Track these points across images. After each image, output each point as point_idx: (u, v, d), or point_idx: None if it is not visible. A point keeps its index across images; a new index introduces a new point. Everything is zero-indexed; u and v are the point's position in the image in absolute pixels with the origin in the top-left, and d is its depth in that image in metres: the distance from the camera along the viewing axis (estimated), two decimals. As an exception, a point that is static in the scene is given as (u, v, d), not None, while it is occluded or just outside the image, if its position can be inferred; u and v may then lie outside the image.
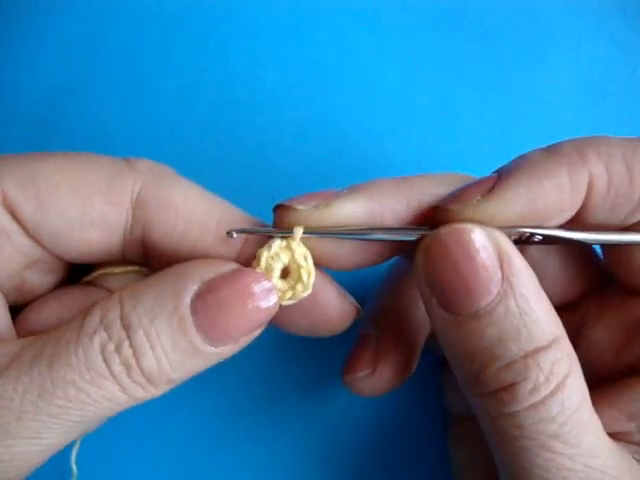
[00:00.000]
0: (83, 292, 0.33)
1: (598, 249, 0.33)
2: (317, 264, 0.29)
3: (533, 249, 0.31)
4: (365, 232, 0.27)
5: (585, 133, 0.47)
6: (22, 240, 0.28)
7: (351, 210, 0.28)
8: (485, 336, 0.24)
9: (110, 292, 0.33)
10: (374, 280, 0.40)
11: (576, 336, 0.32)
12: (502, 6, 0.50)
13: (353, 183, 0.46)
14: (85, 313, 0.26)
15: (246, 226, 0.29)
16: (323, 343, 0.43)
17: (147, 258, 0.31)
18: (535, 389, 0.24)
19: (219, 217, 0.29)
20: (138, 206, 0.28)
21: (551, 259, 0.32)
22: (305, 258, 0.28)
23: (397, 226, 0.28)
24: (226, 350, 0.27)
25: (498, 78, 0.48)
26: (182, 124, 0.47)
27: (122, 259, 0.32)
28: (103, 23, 0.50)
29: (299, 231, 0.28)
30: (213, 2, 0.50)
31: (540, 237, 0.27)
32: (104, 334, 0.25)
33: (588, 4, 0.49)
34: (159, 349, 0.26)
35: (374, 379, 0.34)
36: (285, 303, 0.29)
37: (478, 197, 0.26)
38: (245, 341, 0.27)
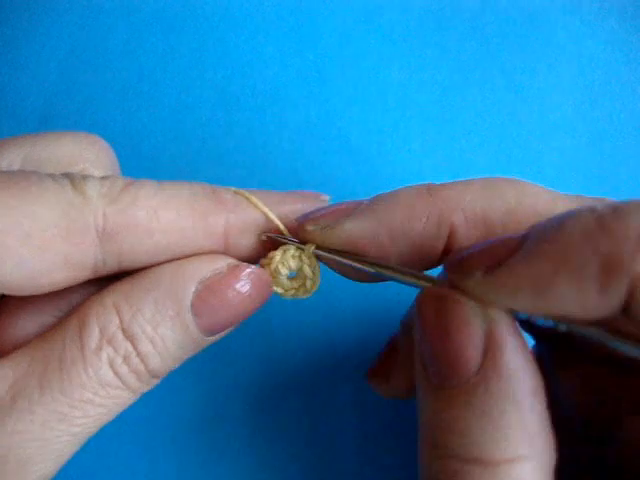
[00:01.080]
0: (60, 300, 0.30)
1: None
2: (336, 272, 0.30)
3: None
4: (372, 266, 0.28)
5: (585, 133, 0.47)
6: None
7: (356, 233, 0.28)
8: (445, 416, 0.22)
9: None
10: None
11: (610, 431, 0.28)
12: (502, 6, 0.50)
13: (353, 182, 0.47)
14: (80, 325, 0.26)
15: (224, 195, 0.29)
16: (323, 343, 0.43)
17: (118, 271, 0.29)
18: None
19: (192, 212, 0.27)
20: (106, 240, 0.25)
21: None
22: (313, 271, 0.30)
23: (402, 268, 0.27)
24: (217, 337, 0.28)
25: (498, 78, 0.48)
26: (182, 124, 0.47)
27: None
28: (103, 23, 0.50)
29: (310, 248, 0.29)
30: (213, 2, 0.50)
31: (563, 328, 0.23)
32: (110, 349, 0.26)
33: (588, 4, 0.50)
34: (165, 352, 0.27)
35: (389, 388, 0.35)
36: (285, 297, 0.31)
37: (481, 271, 0.23)
38: (235, 327, 0.29)
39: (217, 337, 0.28)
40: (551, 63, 0.49)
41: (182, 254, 0.27)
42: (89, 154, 0.30)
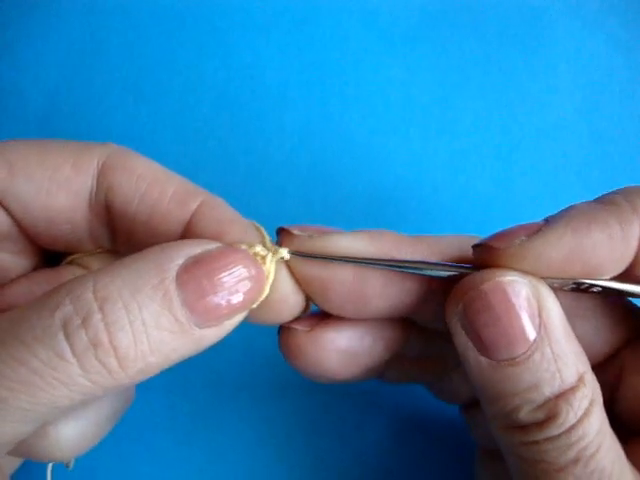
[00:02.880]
0: (57, 272, 0.32)
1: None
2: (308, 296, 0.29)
3: (568, 296, 0.30)
4: (367, 260, 0.27)
5: (585, 133, 0.47)
6: None
7: (346, 245, 0.28)
8: (521, 381, 0.25)
9: (87, 269, 0.33)
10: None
11: (614, 388, 0.31)
12: (502, 6, 0.50)
13: (353, 182, 0.47)
14: (52, 289, 0.24)
15: (204, 195, 0.29)
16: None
17: (112, 233, 0.31)
18: (563, 423, 0.25)
19: (177, 184, 0.29)
20: (102, 172, 0.29)
21: (589, 310, 0.31)
22: (267, 277, 0.27)
23: (430, 260, 0.28)
24: (210, 334, 0.25)
25: (498, 78, 0.48)
26: (183, 124, 0.47)
27: (89, 242, 0.31)
28: (103, 23, 0.50)
29: (283, 251, 0.28)
30: (213, 2, 0.50)
31: (599, 288, 0.26)
32: (69, 307, 0.22)
33: (588, 4, 0.50)
34: (138, 323, 0.23)
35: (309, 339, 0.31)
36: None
37: (523, 237, 0.25)
38: (228, 328, 0.26)
39: (206, 334, 0.25)
40: (551, 63, 0.49)
41: (153, 215, 0.28)
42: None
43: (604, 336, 0.31)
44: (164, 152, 0.46)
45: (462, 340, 0.26)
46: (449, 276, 0.27)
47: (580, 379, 0.25)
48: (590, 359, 0.27)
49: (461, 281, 0.26)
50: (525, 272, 0.25)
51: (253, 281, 0.26)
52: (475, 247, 0.27)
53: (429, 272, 0.27)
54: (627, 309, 0.31)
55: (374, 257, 0.28)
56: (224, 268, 0.25)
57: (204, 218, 0.28)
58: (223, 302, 0.25)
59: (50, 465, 0.34)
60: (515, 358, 0.25)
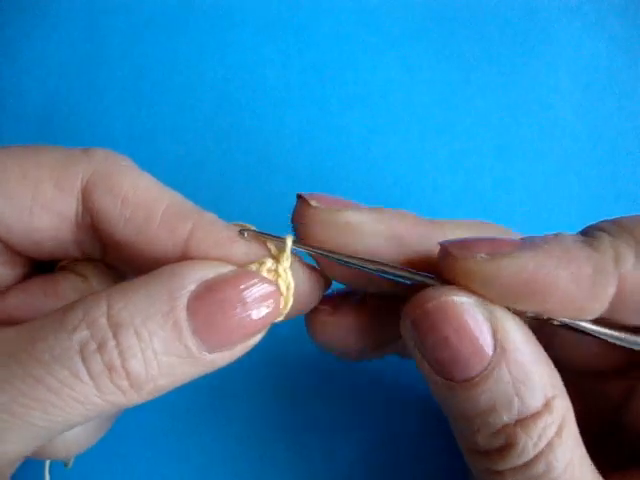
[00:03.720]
0: (53, 280, 0.32)
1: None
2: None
3: None
4: (359, 261, 0.26)
5: (585, 133, 0.47)
6: None
7: (356, 220, 0.27)
8: (478, 403, 0.24)
9: (82, 277, 0.32)
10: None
11: (625, 401, 0.30)
12: (502, 6, 0.50)
13: (353, 182, 0.47)
14: (66, 308, 0.24)
15: (195, 217, 0.27)
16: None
17: (101, 250, 0.30)
18: (524, 453, 0.24)
19: (166, 206, 0.27)
20: (87, 192, 0.28)
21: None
22: (288, 287, 0.27)
23: (400, 267, 0.26)
24: (221, 358, 0.25)
25: (498, 77, 0.48)
26: (183, 124, 0.47)
27: (78, 252, 0.31)
28: (103, 24, 0.50)
29: (289, 240, 0.27)
30: (213, 2, 0.50)
31: (557, 322, 0.25)
32: (86, 332, 0.23)
33: (588, 4, 0.50)
34: (149, 352, 0.24)
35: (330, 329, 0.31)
36: None
37: (484, 255, 0.24)
38: (241, 350, 0.26)
39: (216, 359, 0.25)
40: (551, 63, 0.49)
41: (140, 240, 0.27)
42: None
43: (610, 354, 0.30)
44: (164, 152, 0.46)
45: (418, 359, 0.25)
46: (414, 283, 0.26)
47: (546, 405, 0.24)
48: (595, 372, 0.26)
49: (412, 297, 0.25)
50: (479, 293, 0.24)
51: (270, 304, 0.25)
52: (440, 251, 0.26)
53: (399, 279, 0.26)
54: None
55: (364, 255, 0.27)
56: (237, 295, 0.25)
57: (201, 242, 0.27)
58: (235, 329, 0.25)
59: (47, 463, 0.34)
60: (470, 380, 0.24)
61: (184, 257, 0.27)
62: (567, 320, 0.25)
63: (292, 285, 0.27)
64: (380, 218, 0.27)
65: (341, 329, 0.31)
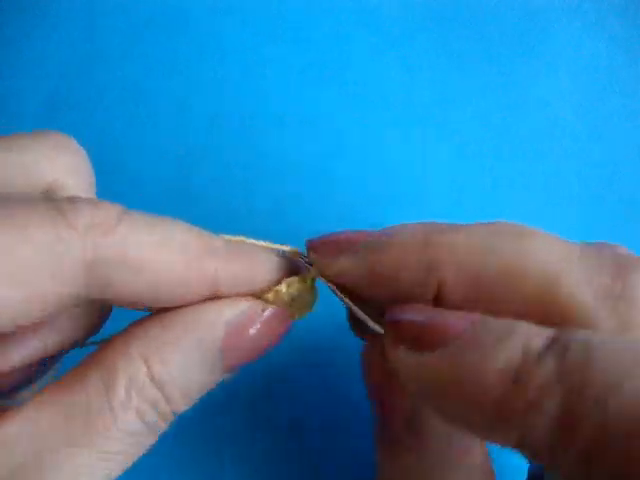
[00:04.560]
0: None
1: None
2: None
3: None
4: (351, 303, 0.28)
5: (585, 132, 0.47)
6: None
7: (347, 271, 0.28)
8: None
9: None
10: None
11: None
12: (502, 6, 0.50)
13: (353, 182, 0.47)
14: (105, 375, 0.24)
15: (215, 244, 0.26)
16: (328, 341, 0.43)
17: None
18: None
19: (184, 255, 0.25)
20: (92, 271, 0.23)
21: None
22: (314, 294, 0.29)
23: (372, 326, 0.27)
24: (230, 374, 0.27)
25: (497, 77, 0.48)
26: (183, 124, 0.47)
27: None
28: (103, 24, 0.50)
29: (315, 272, 0.29)
30: (213, 3, 0.50)
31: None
32: (138, 399, 0.25)
33: (588, 4, 0.50)
34: (190, 395, 0.26)
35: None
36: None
37: (406, 347, 0.23)
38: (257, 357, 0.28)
39: (226, 377, 0.27)
40: (551, 63, 0.49)
41: (170, 297, 0.25)
42: (63, 160, 0.27)
43: None
44: (163, 152, 0.46)
45: None
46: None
47: None
48: None
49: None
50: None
51: (280, 329, 0.27)
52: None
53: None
54: None
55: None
56: (257, 327, 0.26)
57: (227, 284, 0.26)
58: (255, 355, 0.27)
59: None
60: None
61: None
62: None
63: (314, 295, 0.29)
64: (366, 264, 0.27)
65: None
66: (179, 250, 0.24)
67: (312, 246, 0.29)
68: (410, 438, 0.26)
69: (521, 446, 0.18)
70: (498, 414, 0.19)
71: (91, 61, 0.49)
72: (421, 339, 0.22)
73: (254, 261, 0.27)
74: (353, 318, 0.29)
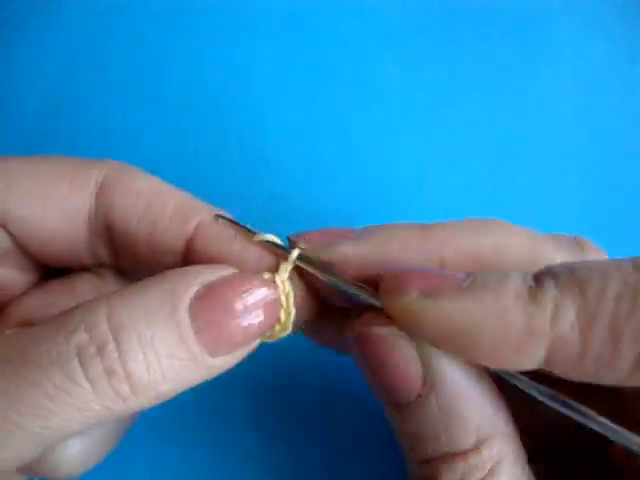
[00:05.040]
0: (70, 281, 0.32)
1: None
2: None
3: None
4: (350, 285, 0.26)
5: (585, 132, 0.47)
6: None
7: (349, 253, 0.27)
8: (408, 429, 0.24)
9: (97, 275, 0.33)
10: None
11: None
12: (502, 6, 0.50)
13: (353, 183, 0.46)
14: (65, 312, 0.24)
15: (205, 211, 0.29)
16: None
17: (113, 251, 0.31)
18: None
19: (177, 201, 0.29)
20: (101, 191, 0.29)
21: None
22: (287, 297, 0.27)
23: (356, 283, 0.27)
24: (223, 362, 0.25)
25: (498, 77, 0.48)
26: (182, 124, 0.47)
27: (90, 259, 0.31)
28: (103, 23, 0.50)
29: (293, 254, 0.27)
30: (213, 3, 0.50)
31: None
32: (84, 335, 0.23)
33: (588, 3, 0.49)
34: (152, 355, 0.23)
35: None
36: (262, 340, 0.27)
37: (416, 293, 0.23)
38: (242, 354, 0.26)
39: (218, 363, 0.25)
40: (551, 63, 0.49)
41: (153, 235, 0.28)
42: None
43: None
44: (163, 152, 0.46)
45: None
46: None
47: (477, 444, 0.23)
48: None
49: (358, 318, 0.26)
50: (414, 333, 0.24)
51: (269, 308, 0.26)
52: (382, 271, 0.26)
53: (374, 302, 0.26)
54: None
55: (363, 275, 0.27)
56: (239, 297, 0.24)
57: (206, 236, 0.28)
58: (238, 331, 0.24)
59: None
60: (399, 406, 0.24)
61: (189, 251, 0.28)
62: (497, 369, 0.24)
63: (292, 295, 0.27)
64: (370, 245, 0.27)
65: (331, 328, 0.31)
66: (176, 190, 0.29)
67: (302, 237, 0.28)
68: (425, 389, 0.24)
69: (550, 358, 0.22)
70: (529, 330, 0.21)
71: (91, 61, 0.49)
72: (440, 285, 0.23)
73: (237, 228, 0.28)
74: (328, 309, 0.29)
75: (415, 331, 0.24)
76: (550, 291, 0.22)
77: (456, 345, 0.23)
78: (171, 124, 0.47)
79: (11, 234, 0.29)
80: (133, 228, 0.28)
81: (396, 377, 0.24)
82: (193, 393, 0.42)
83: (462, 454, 0.23)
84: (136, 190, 0.29)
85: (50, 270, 0.33)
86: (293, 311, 0.27)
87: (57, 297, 0.31)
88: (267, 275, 0.27)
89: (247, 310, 0.25)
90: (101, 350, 0.22)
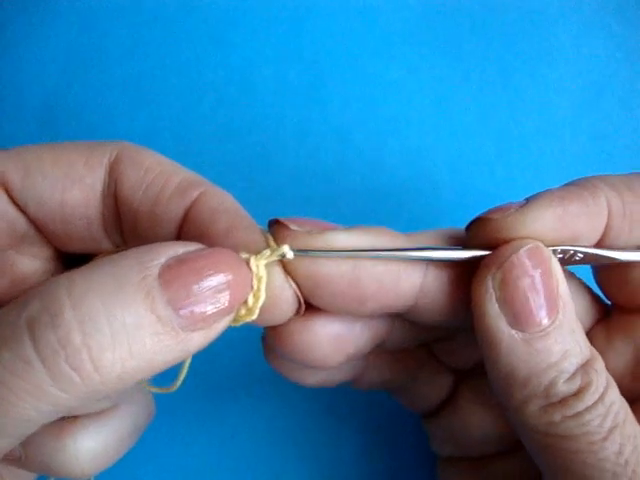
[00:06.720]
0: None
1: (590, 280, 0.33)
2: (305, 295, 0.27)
3: None
4: (366, 252, 0.26)
5: (585, 132, 0.47)
6: (8, 208, 0.29)
7: (344, 242, 0.27)
8: (553, 352, 0.25)
9: None
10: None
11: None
12: (502, 6, 0.50)
13: (353, 183, 0.46)
14: (26, 290, 0.22)
15: (209, 187, 0.29)
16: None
17: (121, 226, 0.31)
18: (596, 390, 0.25)
19: (183, 177, 0.29)
20: (113, 166, 0.29)
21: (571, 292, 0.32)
22: (259, 280, 0.26)
23: (430, 245, 0.28)
24: (196, 338, 0.23)
25: (498, 77, 0.48)
26: (182, 124, 0.47)
27: (104, 239, 0.31)
28: (103, 23, 0.50)
29: (282, 249, 0.26)
30: (213, 2, 0.50)
31: (581, 256, 0.28)
32: (36, 303, 0.20)
33: (588, 4, 0.50)
34: (118, 325, 0.20)
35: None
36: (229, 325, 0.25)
37: (515, 208, 0.27)
38: (215, 331, 0.24)
39: (192, 339, 0.23)
40: (551, 63, 0.49)
41: (156, 205, 0.28)
42: None
43: (582, 316, 0.32)
44: (163, 152, 0.46)
45: (493, 316, 0.26)
46: (463, 259, 0.27)
47: (593, 353, 0.26)
48: None
49: (495, 251, 0.26)
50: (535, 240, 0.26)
51: (238, 282, 0.24)
52: (471, 224, 0.28)
53: (437, 256, 0.27)
54: (594, 293, 0.33)
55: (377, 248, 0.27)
56: (208, 269, 0.23)
57: (200, 207, 0.28)
58: (209, 303, 0.23)
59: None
60: (546, 329, 0.25)
61: (184, 222, 0.28)
62: (585, 249, 0.27)
63: (264, 279, 0.26)
64: (361, 237, 0.27)
65: (313, 335, 0.29)
66: (184, 169, 0.30)
67: (292, 220, 0.27)
68: (560, 305, 0.26)
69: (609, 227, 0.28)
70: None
71: (91, 61, 0.49)
72: (518, 204, 0.27)
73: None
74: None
75: (538, 231, 0.26)
76: (588, 182, 0.28)
77: (565, 233, 0.27)
78: (171, 124, 0.47)
79: (28, 215, 0.29)
80: (137, 199, 0.29)
81: (552, 291, 0.26)
82: (192, 393, 0.43)
83: (591, 359, 0.26)
84: (145, 165, 0.29)
85: (68, 261, 0.33)
86: (262, 296, 0.26)
87: None
88: (244, 255, 0.26)
89: (218, 284, 0.23)
90: (55, 319, 0.20)
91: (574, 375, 0.25)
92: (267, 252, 0.26)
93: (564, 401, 0.25)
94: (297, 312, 0.28)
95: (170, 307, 0.22)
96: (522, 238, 0.26)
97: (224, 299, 0.23)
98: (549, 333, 0.25)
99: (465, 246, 0.28)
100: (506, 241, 0.26)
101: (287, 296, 0.27)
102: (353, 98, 0.48)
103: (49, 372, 0.20)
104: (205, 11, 0.50)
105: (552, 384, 0.26)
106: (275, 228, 0.27)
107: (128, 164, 0.29)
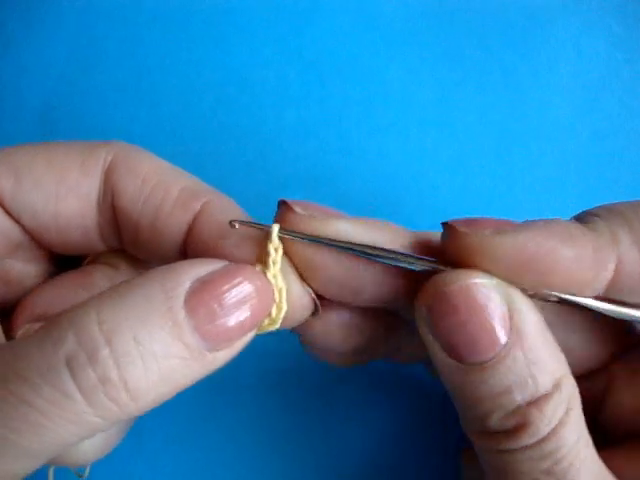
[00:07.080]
0: (86, 273, 0.32)
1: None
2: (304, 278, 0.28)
3: (557, 309, 0.29)
4: (360, 247, 0.26)
5: (585, 132, 0.47)
6: (3, 219, 0.28)
7: (347, 229, 0.26)
8: (491, 386, 0.24)
9: (113, 267, 0.32)
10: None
11: (601, 398, 0.31)
12: (502, 6, 0.50)
13: (353, 183, 0.46)
14: (51, 319, 0.23)
15: (212, 197, 0.29)
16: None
17: (119, 234, 0.31)
18: (538, 431, 0.24)
19: (183, 186, 0.29)
20: (108, 173, 0.29)
21: (579, 323, 0.30)
22: (280, 292, 0.26)
23: (402, 251, 0.26)
24: (222, 356, 0.24)
25: (497, 77, 0.48)
26: (182, 124, 0.47)
27: (101, 244, 0.31)
28: (103, 24, 0.50)
29: (275, 229, 0.26)
30: (213, 3, 0.50)
31: (555, 299, 0.25)
32: (73, 342, 0.21)
33: (588, 3, 0.49)
34: (149, 355, 0.22)
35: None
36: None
37: (490, 230, 0.24)
38: (240, 346, 0.25)
39: (217, 358, 0.24)
40: (551, 63, 0.49)
41: (157, 218, 0.28)
42: None
43: (594, 350, 0.31)
44: (163, 152, 0.46)
45: (429, 342, 0.25)
46: (422, 270, 0.26)
47: (556, 385, 0.24)
48: (578, 370, 0.26)
49: (428, 281, 0.25)
50: (492, 274, 0.24)
51: (261, 298, 0.25)
52: (443, 225, 0.26)
53: (402, 264, 0.26)
54: (617, 325, 0.30)
55: (360, 243, 0.26)
56: (231, 288, 0.24)
57: (205, 219, 0.28)
58: (234, 323, 0.24)
59: (51, 470, 0.32)
60: (484, 362, 0.24)
61: (188, 239, 0.28)
62: (566, 296, 0.25)
63: (284, 290, 0.27)
64: (365, 229, 0.27)
65: (328, 325, 0.30)
66: (182, 175, 0.30)
67: (298, 203, 0.27)
68: (513, 336, 0.25)
69: (617, 274, 0.25)
70: (595, 249, 0.24)
71: (91, 61, 0.49)
72: (507, 224, 0.25)
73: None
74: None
75: (498, 265, 0.24)
76: (600, 222, 0.25)
77: (535, 272, 0.24)
78: (171, 124, 0.47)
79: (24, 227, 0.29)
80: (137, 212, 0.28)
81: (488, 329, 0.24)
82: (194, 391, 0.43)
83: (547, 395, 0.24)
84: (141, 174, 0.29)
85: (63, 262, 0.33)
86: (285, 307, 0.27)
87: (72, 290, 0.31)
88: (259, 267, 0.26)
89: (241, 302, 0.24)
90: (93, 357, 0.21)
91: (513, 413, 0.24)
92: (275, 257, 0.26)
93: (495, 436, 0.25)
94: (314, 313, 0.29)
95: (197, 334, 0.23)
96: (479, 269, 0.24)
97: (248, 316, 0.24)
98: (487, 367, 0.24)
99: (426, 257, 0.26)
100: (468, 263, 0.25)
101: (305, 302, 0.28)
102: (353, 98, 0.48)
103: (89, 404, 0.21)
104: (205, 11, 0.50)
105: (485, 417, 0.24)
106: (280, 210, 0.27)
107: (124, 172, 0.28)
